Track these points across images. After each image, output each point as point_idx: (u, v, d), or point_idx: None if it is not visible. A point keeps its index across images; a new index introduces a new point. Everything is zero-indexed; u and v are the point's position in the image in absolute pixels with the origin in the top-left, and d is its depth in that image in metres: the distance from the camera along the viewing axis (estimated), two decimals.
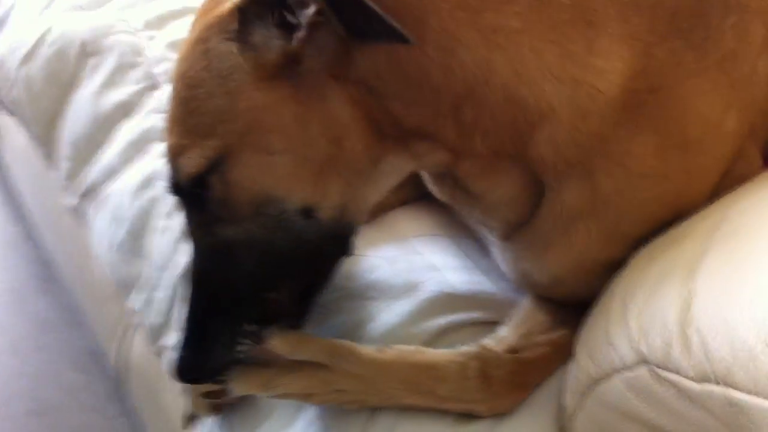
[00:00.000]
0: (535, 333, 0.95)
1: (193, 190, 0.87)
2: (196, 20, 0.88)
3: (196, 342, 0.89)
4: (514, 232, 0.95)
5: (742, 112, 0.88)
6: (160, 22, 1.57)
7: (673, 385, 0.69)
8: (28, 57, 1.56)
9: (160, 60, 1.46)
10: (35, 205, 2.08)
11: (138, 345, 1.49)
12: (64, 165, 1.46)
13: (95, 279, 1.63)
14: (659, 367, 0.70)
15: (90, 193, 1.39)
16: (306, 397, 0.90)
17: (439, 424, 0.90)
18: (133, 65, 1.47)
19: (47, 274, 2.13)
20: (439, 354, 0.92)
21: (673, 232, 0.83)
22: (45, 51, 1.54)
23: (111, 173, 1.36)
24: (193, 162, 0.85)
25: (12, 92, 1.60)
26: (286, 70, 0.82)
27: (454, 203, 1.02)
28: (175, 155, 0.87)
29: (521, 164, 0.88)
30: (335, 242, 0.92)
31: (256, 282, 0.89)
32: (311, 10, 0.78)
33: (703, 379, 0.66)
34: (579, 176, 0.86)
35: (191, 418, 1.06)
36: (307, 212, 0.87)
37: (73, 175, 1.44)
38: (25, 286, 2.13)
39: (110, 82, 1.45)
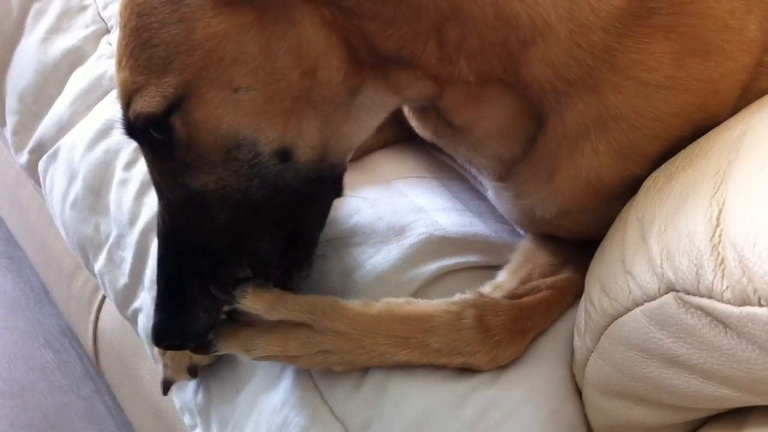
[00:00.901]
0: (536, 276, 0.91)
1: (153, 134, 0.80)
2: None
3: (173, 304, 0.83)
4: (509, 170, 0.90)
5: (765, 19, 0.81)
6: None
7: (705, 312, 0.63)
8: None
9: (110, 2, 1.39)
10: None
11: (108, 319, 1.48)
12: (11, 120, 1.39)
13: (57, 255, 1.60)
14: (688, 293, 0.64)
15: (41, 148, 1.33)
16: (290, 360, 0.85)
17: (434, 378, 0.85)
18: (80, 9, 1.40)
19: (11, 252, 2.12)
20: (432, 304, 0.86)
21: (692, 149, 0.77)
22: None
23: (63, 125, 1.29)
24: (151, 102, 0.78)
25: None
26: None
27: (439, 141, 0.97)
28: (128, 93, 0.80)
29: (512, 90, 0.83)
30: (319, 185, 0.85)
31: (234, 235, 0.83)
32: None
33: (743, 301, 0.59)
34: (582, 94, 0.81)
35: (168, 384, 0.99)
36: (284, 154, 0.81)
37: (21, 130, 1.37)
38: None
39: (57, 28, 1.38)
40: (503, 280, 0.91)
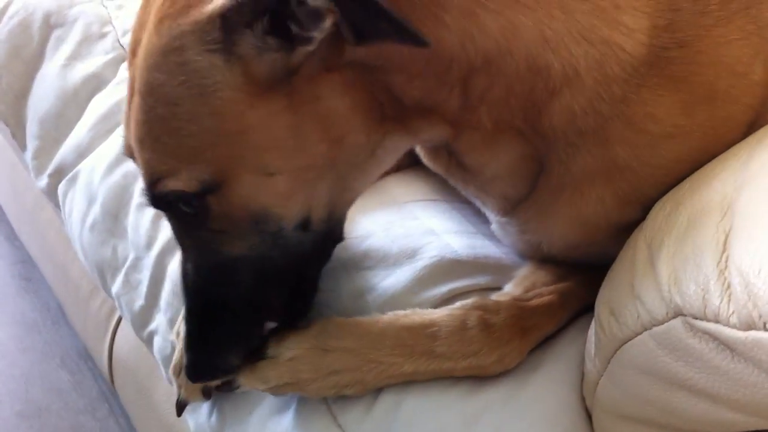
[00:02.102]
0: (540, 285, 0.92)
1: (183, 208, 0.81)
2: (161, 21, 0.76)
3: (202, 345, 0.87)
4: (514, 207, 0.91)
5: None
6: None
7: (712, 336, 0.64)
8: None
9: (129, 30, 1.37)
10: (11, 203, 2.07)
11: (124, 340, 1.48)
12: (32, 144, 1.40)
13: (75, 277, 1.60)
14: (695, 318, 0.65)
15: (60, 172, 1.33)
16: (302, 388, 0.86)
17: (445, 399, 0.85)
18: (100, 36, 1.41)
19: (29, 273, 2.14)
20: (436, 311, 0.88)
21: (698, 175, 0.78)
22: (6, 24, 1.48)
23: (82, 150, 1.30)
24: (184, 184, 0.77)
25: None
26: (280, 81, 0.74)
27: (448, 177, 0.98)
28: (156, 174, 0.79)
29: (523, 136, 0.83)
30: (327, 241, 0.88)
31: (254, 293, 0.85)
32: (326, 23, 0.70)
33: (749, 326, 0.60)
34: (591, 147, 0.82)
35: (182, 406, 1.00)
36: (304, 225, 0.82)
37: (42, 154, 1.38)
38: (9, 286, 2.14)
39: (77, 55, 1.39)
40: (508, 290, 0.92)
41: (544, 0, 0.75)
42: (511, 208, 0.92)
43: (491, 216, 0.97)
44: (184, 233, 0.85)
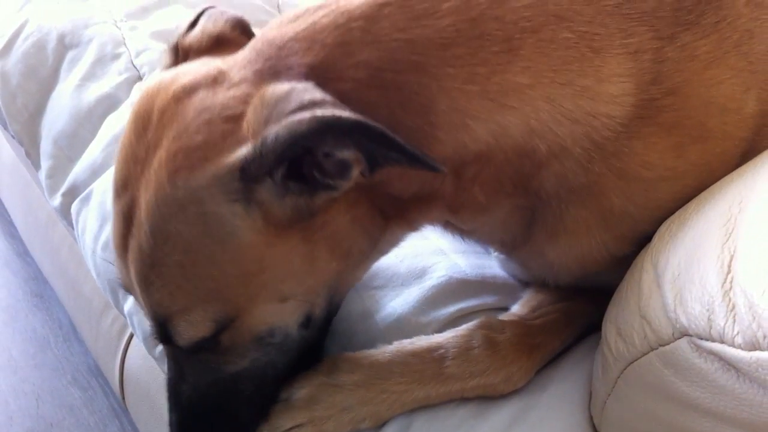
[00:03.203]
0: (546, 305, 0.92)
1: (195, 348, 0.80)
2: (176, 173, 0.74)
3: None
4: (512, 249, 0.93)
5: (762, 91, 0.83)
6: (143, 12, 1.51)
7: (717, 356, 0.64)
8: (4, 51, 1.51)
9: (142, 50, 1.41)
10: (24, 220, 2.07)
11: (135, 357, 1.47)
12: (46, 164, 1.40)
13: (87, 294, 1.60)
14: (701, 338, 0.65)
15: (74, 191, 1.33)
16: (317, 426, 0.85)
17: (453, 421, 0.85)
18: (114, 57, 1.41)
19: (41, 290, 2.15)
20: (442, 335, 0.88)
21: (704, 196, 0.78)
22: (21, 44, 1.49)
23: (95, 169, 1.30)
24: (198, 327, 0.77)
25: None
26: (299, 220, 0.75)
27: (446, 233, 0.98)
28: (167, 313, 0.78)
29: (517, 196, 0.84)
30: (329, 324, 0.89)
31: (259, 399, 0.86)
32: (354, 172, 0.72)
33: (753, 346, 0.60)
34: (585, 200, 0.83)
35: None
36: (306, 323, 0.83)
37: (55, 173, 1.39)
38: (20, 303, 2.15)
39: (91, 75, 1.40)
40: (515, 311, 0.93)
41: (529, 96, 0.76)
42: (509, 251, 0.93)
43: (495, 255, 0.99)
44: (182, 358, 0.84)
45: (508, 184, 0.81)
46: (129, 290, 0.82)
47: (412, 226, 0.86)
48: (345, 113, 0.68)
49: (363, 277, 0.90)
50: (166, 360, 1.09)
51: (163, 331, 0.79)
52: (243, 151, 0.71)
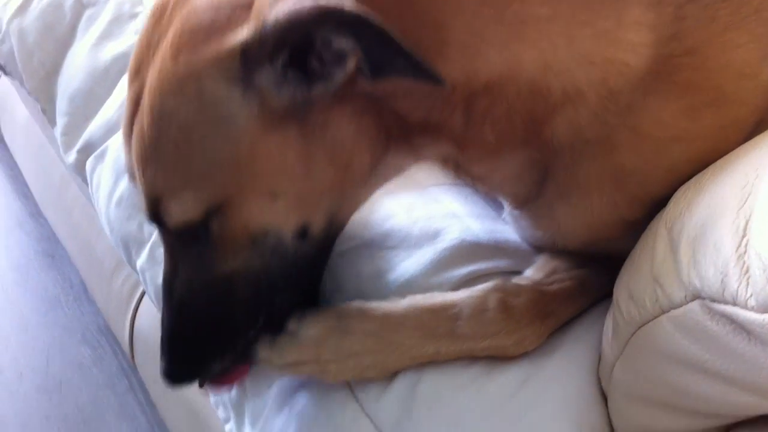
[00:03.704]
0: (561, 271, 0.92)
1: (182, 234, 0.81)
2: (179, 50, 0.76)
3: (182, 354, 0.86)
4: (525, 203, 0.92)
5: None
6: None
7: (730, 319, 0.64)
8: (22, 9, 1.51)
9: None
10: (37, 181, 2.08)
11: (145, 317, 1.49)
12: (62, 121, 1.41)
13: (98, 254, 1.62)
14: (713, 301, 0.65)
15: (89, 148, 1.34)
16: (321, 367, 0.86)
17: (463, 378, 0.86)
18: (131, 16, 1.41)
19: (53, 250, 2.17)
20: (456, 294, 0.88)
21: (721, 163, 0.78)
22: (39, 2, 1.49)
23: (111, 127, 1.31)
24: (187, 208, 0.78)
25: (3, 46, 1.55)
26: (295, 112, 0.76)
27: (458, 182, 0.99)
28: (158, 193, 0.79)
29: (528, 145, 0.84)
30: (327, 247, 0.89)
31: (252, 306, 0.85)
32: (350, 63, 0.71)
33: (766, 308, 0.60)
34: (597, 154, 0.82)
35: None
36: (303, 233, 0.83)
37: (71, 130, 1.39)
38: (32, 262, 2.18)
39: (108, 34, 1.40)
40: (529, 274, 0.93)
41: (548, 30, 0.76)
42: (522, 204, 0.93)
43: (507, 210, 0.98)
44: (177, 249, 0.85)
45: (519, 126, 0.81)
46: (131, 175, 0.83)
47: (417, 154, 0.86)
48: (349, 5, 0.68)
49: (363, 204, 0.89)
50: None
51: (155, 213, 0.80)
52: (245, 33, 0.72)
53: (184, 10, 0.77)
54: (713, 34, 0.79)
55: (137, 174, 0.81)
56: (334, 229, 0.87)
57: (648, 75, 0.79)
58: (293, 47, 0.72)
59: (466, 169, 0.90)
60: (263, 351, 0.87)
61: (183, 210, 0.78)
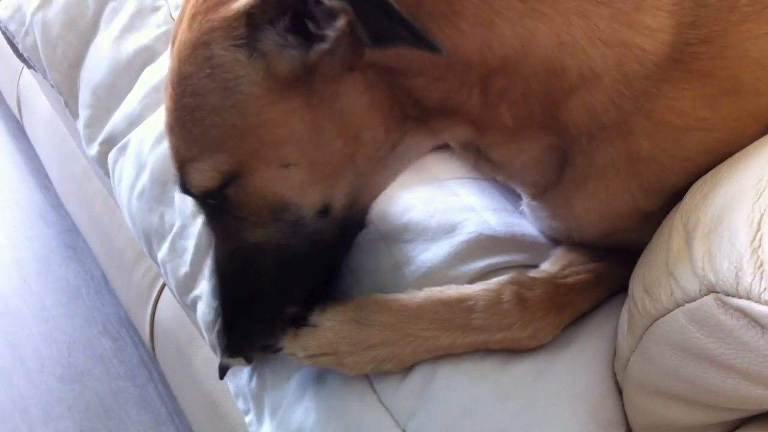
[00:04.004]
0: (577, 264, 0.92)
1: (208, 200, 0.85)
2: (194, 16, 0.80)
3: (230, 325, 0.90)
4: (543, 193, 0.93)
5: None
6: None
7: (743, 313, 0.65)
8: (45, 2, 1.51)
9: (181, 3, 1.38)
10: (59, 173, 2.10)
11: (165, 309, 1.50)
12: (84, 113, 1.42)
13: (119, 246, 1.63)
14: (727, 295, 0.66)
15: (111, 141, 1.35)
16: (339, 359, 0.88)
17: (478, 370, 0.87)
18: (153, 9, 1.42)
19: (74, 242, 2.19)
20: (472, 286, 0.89)
21: (737, 158, 0.78)
22: None
23: (133, 120, 1.32)
24: (205, 176, 0.82)
25: (27, 39, 1.56)
26: (298, 79, 0.77)
27: (477, 170, 1.00)
28: (182, 160, 0.83)
29: (547, 129, 0.84)
30: (349, 229, 0.90)
31: (277, 278, 0.88)
32: (340, 22, 0.72)
33: None
34: (614, 139, 0.83)
35: (224, 369, 1.02)
36: (323, 212, 0.85)
37: (93, 123, 1.40)
38: (54, 254, 2.19)
39: (130, 27, 1.41)
40: (545, 268, 0.93)
41: (563, 6, 0.76)
42: (540, 194, 0.93)
43: (525, 201, 0.99)
44: (210, 219, 0.89)
45: (536, 108, 0.81)
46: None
47: (436, 135, 0.87)
48: None
49: (386, 186, 0.91)
50: (191, 308, 1.12)
51: (182, 182, 0.84)
52: None
53: None
54: (732, 24, 0.79)
55: (168, 142, 0.85)
56: (356, 210, 0.88)
57: (665, 62, 0.79)
58: (292, 10, 0.74)
59: (486, 155, 0.90)
60: (286, 341, 0.89)
61: (202, 178, 0.82)
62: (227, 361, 1.02)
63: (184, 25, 0.81)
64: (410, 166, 0.91)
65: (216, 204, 0.85)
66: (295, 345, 0.89)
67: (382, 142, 0.83)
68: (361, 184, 0.86)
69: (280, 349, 0.90)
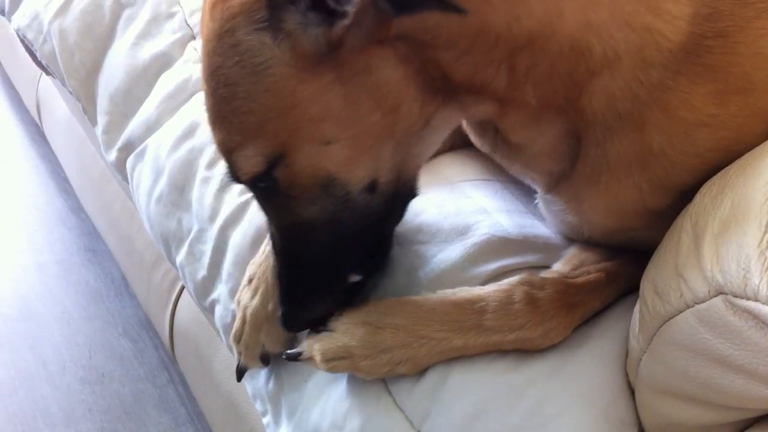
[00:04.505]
0: (588, 263, 0.93)
1: (257, 185, 0.86)
2: (214, 6, 0.80)
3: (291, 299, 0.92)
4: (557, 184, 0.93)
5: None
6: None
7: (751, 314, 0.65)
8: (63, 9, 1.53)
9: (196, 9, 1.41)
10: (78, 177, 2.11)
11: (185, 311, 1.51)
12: (102, 120, 1.44)
13: (139, 249, 1.65)
14: (735, 296, 0.66)
15: (129, 146, 1.37)
16: (355, 363, 0.89)
17: (491, 371, 0.87)
18: (168, 16, 1.43)
19: (94, 245, 2.20)
20: (483, 288, 0.90)
21: (746, 159, 0.78)
22: (79, 2, 1.52)
23: (150, 125, 1.33)
24: (251, 161, 0.83)
25: (45, 46, 1.58)
26: (327, 55, 0.77)
27: (495, 155, 1.00)
28: (228, 150, 0.84)
29: (566, 115, 0.85)
30: (397, 202, 0.91)
31: (334, 250, 0.89)
32: None
33: None
34: (628, 131, 0.83)
35: (242, 372, 1.05)
36: (371, 188, 0.86)
37: (111, 129, 1.42)
38: (74, 257, 2.20)
39: (146, 34, 1.42)
40: (556, 268, 0.94)
41: None
42: (554, 184, 0.93)
43: (538, 194, 0.99)
44: (263, 200, 0.90)
45: (560, 88, 0.81)
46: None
47: (465, 109, 0.87)
48: None
49: (426, 157, 0.92)
50: (209, 311, 1.13)
51: (231, 172, 0.86)
52: None
53: None
54: (745, 20, 0.79)
55: (213, 138, 0.86)
56: (402, 184, 0.89)
57: (681, 52, 0.79)
58: None
59: (505, 135, 0.91)
60: (308, 345, 0.90)
61: (249, 164, 0.83)
62: (245, 363, 1.03)
63: (206, 17, 0.81)
64: (443, 137, 0.91)
65: (267, 186, 0.86)
66: (312, 349, 0.90)
67: (418, 116, 0.83)
68: (402, 156, 0.86)
69: (299, 355, 0.91)
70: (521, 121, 0.87)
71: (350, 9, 0.73)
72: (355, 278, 0.92)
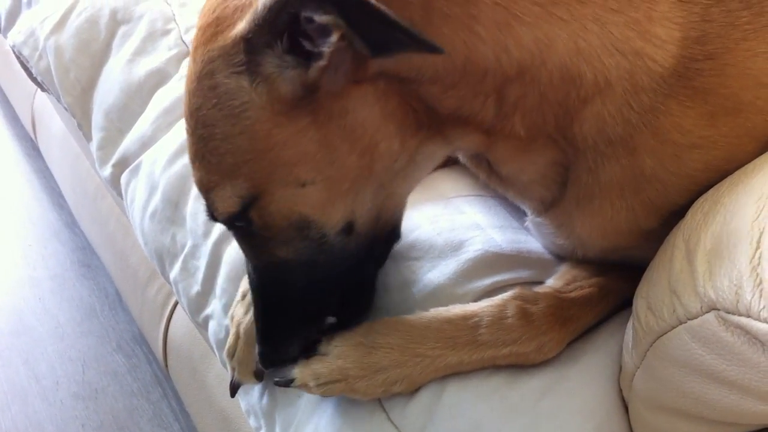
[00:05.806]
0: (581, 279, 0.93)
1: (234, 224, 0.86)
2: (196, 49, 0.81)
3: (267, 337, 0.91)
4: (547, 210, 0.93)
5: None
6: None
7: (744, 330, 0.66)
8: (59, 26, 1.53)
9: (191, 27, 1.41)
10: (73, 192, 2.11)
11: (178, 326, 1.51)
12: (97, 135, 1.44)
13: (133, 264, 1.65)
14: (728, 312, 0.67)
15: (124, 162, 1.37)
16: (350, 384, 0.88)
17: (486, 388, 0.87)
18: (164, 32, 1.44)
19: (88, 260, 2.20)
20: (477, 304, 0.90)
21: (737, 176, 0.79)
22: (75, 19, 1.52)
23: (145, 141, 1.33)
24: (227, 201, 0.83)
25: (41, 63, 1.58)
26: (303, 99, 0.77)
27: (489, 183, 1.00)
28: (206, 189, 0.85)
29: (556, 144, 0.85)
30: (375, 244, 0.91)
31: (309, 293, 0.89)
32: (333, 37, 0.72)
33: None
34: (620, 156, 0.83)
35: (236, 387, 1.04)
36: (347, 230, 0.86)
37: (106, 145, 1.42)
38: (68, 272, 2.20)
39: (142, 50, 1.43)
40: (550, 283, 0.94)
41: (579, 13, 0.76)
42: (545, 210, 0.94)
43: (530, 217, 0.99)
44: (240, 239, 0.90)
45: (550, 118, 0.81)
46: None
47: (449, 142, 0.86)
48: None
49: (407, 196, 0.92)
50: (203, 326, 1.13)
51: (208, 209, 0.86)
52: (245, 22, 0.75)
53: (204, 7, 0.81)
54: (733, 41, 0.80)
55: (193, 176, 0.86)
56: (381, 226, 0.89)
57: (671, 76, 0.79)
58: (288, 31, 0.74)
59: (495, 168, 0.91)
60: (299, 371, 0.90)
61: (225, 204, 0.83)
62: (239, 379, 1.03)
63: (190, 59, 0.82)
64: (428, 174, 0.91)
65: (243, 226, 0.86)
66: (305, 374, 0.89)
67: (399, 153, 0.83)
68: (383, 197, 0.86)
69: (292, 381, 0.91)
70: (510, 151, 0.87)
71: (326, 49, 0.73)
72: (331, 320, 0.92)
